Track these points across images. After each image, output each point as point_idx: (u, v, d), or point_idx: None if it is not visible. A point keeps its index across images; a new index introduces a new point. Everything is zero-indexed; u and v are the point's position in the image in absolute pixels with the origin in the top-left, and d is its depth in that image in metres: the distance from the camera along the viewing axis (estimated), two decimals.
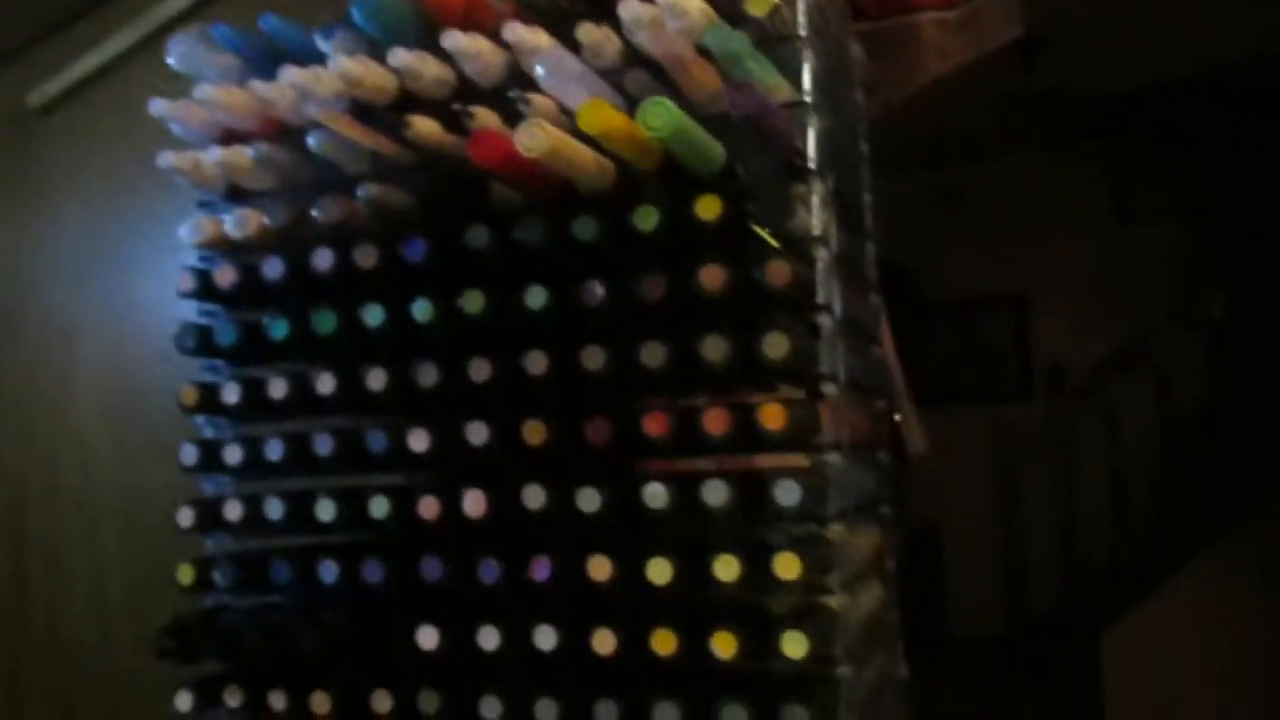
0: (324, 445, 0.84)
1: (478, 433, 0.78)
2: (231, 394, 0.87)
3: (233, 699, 0.85)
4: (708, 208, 0.73)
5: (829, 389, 0.76)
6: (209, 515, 0.88)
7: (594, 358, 0.75)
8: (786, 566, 0.72)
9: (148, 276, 1.05)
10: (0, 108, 1.43)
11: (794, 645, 0.71)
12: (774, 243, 0.74)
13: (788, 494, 0.71)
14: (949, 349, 5.88)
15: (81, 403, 1.34)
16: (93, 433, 1.33)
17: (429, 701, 0.80)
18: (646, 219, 0.75)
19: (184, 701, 0.86)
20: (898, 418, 2.05)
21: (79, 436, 1.33)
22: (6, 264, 1.40)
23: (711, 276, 0.72)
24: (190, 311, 0.91)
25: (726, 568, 0.73)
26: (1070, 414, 4.83)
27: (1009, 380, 5.77)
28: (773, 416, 0.71)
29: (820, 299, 0.76)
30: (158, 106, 0.85)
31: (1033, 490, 5.29)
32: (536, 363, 0.77)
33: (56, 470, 1.34)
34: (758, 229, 0.74)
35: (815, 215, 0.76)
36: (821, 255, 0.76)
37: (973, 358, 5.85)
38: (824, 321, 0.76)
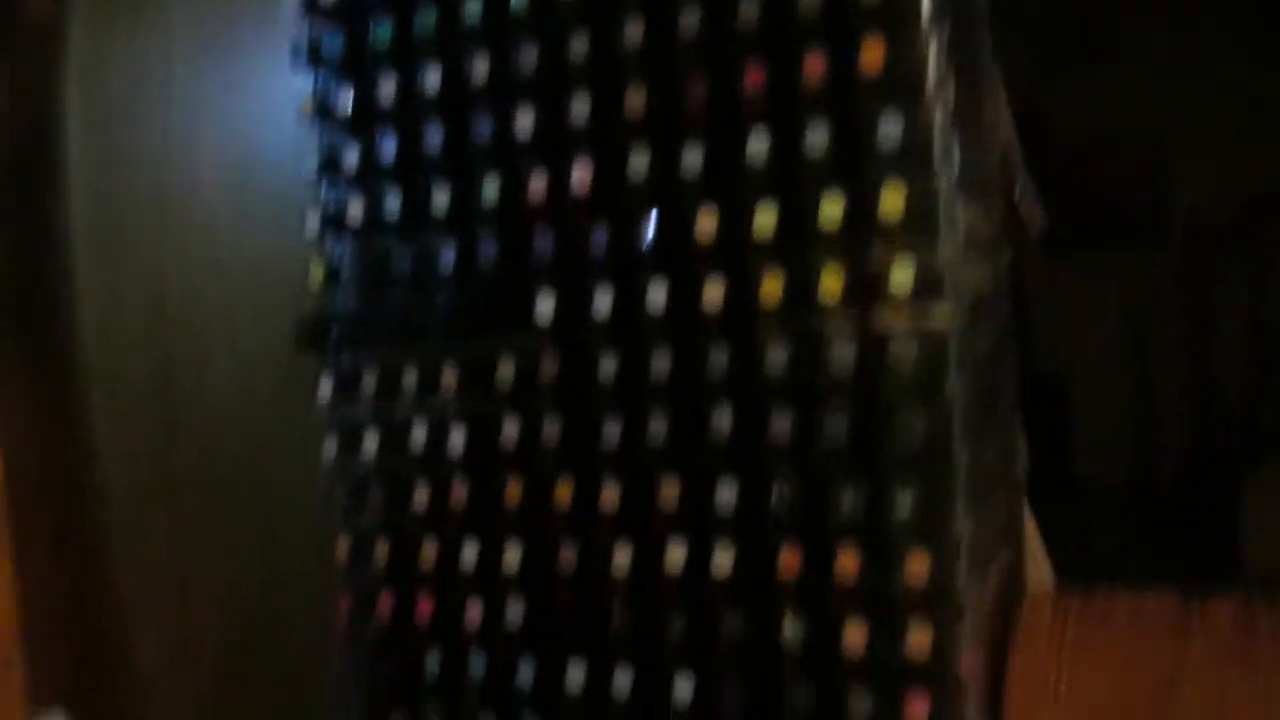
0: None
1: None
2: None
3: (368, 387, 0.91)
4: None
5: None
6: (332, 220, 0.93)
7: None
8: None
9: (261, 57, 1.09)
10: None
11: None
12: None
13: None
14: (1078, 192, 5.66)
15: (207, 187, 1.40)
16: (220, 214, 1.39)
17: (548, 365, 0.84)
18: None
19: (325, 390, 0.92)
20: (1018, 196, 2.01)
21: (208, 220, 1.40)
22: (124, 62, 1.46)
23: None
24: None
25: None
26: (1210, 259, 4.67)
27: (1143, 225, 5.55)
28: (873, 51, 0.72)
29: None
30: None
31: (1169, 338, 5.13)
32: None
33: (189, 256, 1.41)
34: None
35: None
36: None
37: (1104, 201, 5.64)
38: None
